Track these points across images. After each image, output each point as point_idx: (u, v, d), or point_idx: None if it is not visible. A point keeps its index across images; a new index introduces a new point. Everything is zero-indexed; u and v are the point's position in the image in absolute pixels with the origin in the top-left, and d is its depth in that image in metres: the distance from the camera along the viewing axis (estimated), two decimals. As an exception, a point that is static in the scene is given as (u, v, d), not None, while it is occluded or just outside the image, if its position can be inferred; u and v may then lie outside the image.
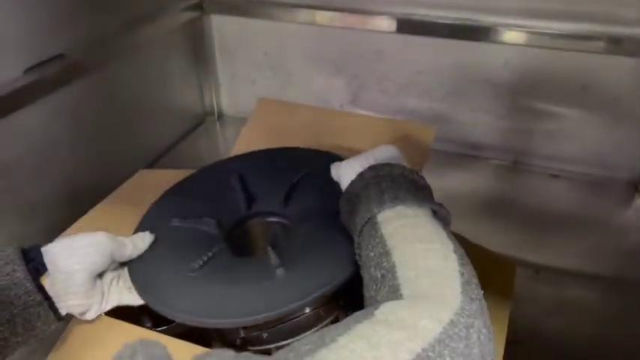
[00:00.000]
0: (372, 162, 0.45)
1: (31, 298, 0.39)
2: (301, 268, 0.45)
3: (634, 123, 0.89)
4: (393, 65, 0.95)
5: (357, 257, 0.41)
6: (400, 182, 0.42)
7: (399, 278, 0.33)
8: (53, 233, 0.54)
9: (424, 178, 0.44)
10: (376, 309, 0.31)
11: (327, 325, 0.47)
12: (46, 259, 0.42)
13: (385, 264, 0.35)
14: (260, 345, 0.47)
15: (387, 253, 0.36)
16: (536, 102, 0.91)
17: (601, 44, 0.83)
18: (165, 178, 0.61)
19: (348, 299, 0.48)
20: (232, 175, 0.58)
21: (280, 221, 0.56)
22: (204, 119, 1.10)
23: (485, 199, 0.83)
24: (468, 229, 0.50)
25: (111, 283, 0.48)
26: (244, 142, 0.70)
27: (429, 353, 0.29)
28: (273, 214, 0.56)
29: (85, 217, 0.59)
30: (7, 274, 0.38)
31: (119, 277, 0.49)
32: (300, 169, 0.58)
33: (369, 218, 0.40)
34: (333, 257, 0.46)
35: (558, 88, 0.89)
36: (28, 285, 0.39)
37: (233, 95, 1.10)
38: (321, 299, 0.45)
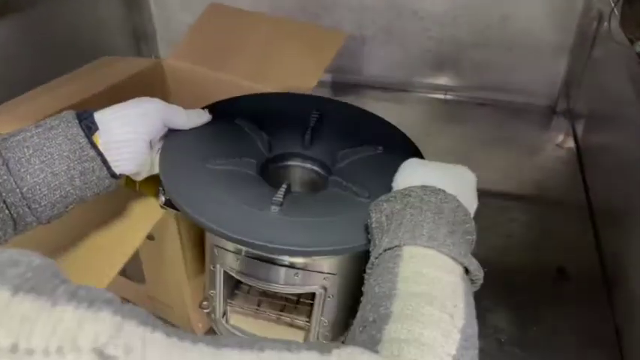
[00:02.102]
0: (437, 177, 0.40)
1: (85, 153, 0.41)
2: (299, 215, 0.43)
3: (551, 51, 0.94)
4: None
5: (365, 277, 0.37)
6: (447, 220, 0.36)
7: (385, 334, 0.30)
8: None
9: (474, 226, 0.38)
10: (337, 347, 0.27)
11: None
12: (100, 127, 0.42)
13: (382, 309, 0.32)
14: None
15: (390, 297, 0.32)
16: (460, 33, 0.95)
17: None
18: (129, 66, 0.64)
19: None
20: (241, 117, 0.53)
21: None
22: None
23: (418, 129, 0.87)
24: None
25: (159, 151, 0.48)
26: (189, 42, 0.70)
27: None
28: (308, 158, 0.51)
29: (45, 86, 0.59)
30: (62, 130, 0.40)
31: None
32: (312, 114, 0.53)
33: (396, 246, 0.35)
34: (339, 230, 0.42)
35: (481, 18, 0.93)
36: (81, 140, 0.41)
37: (170, 43, 1.07)
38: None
